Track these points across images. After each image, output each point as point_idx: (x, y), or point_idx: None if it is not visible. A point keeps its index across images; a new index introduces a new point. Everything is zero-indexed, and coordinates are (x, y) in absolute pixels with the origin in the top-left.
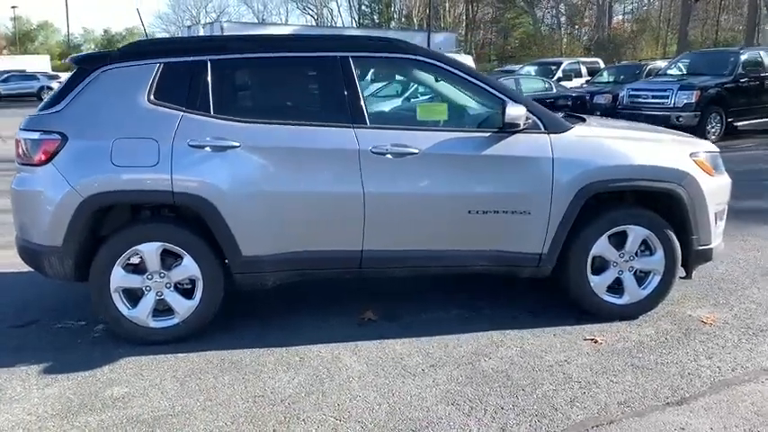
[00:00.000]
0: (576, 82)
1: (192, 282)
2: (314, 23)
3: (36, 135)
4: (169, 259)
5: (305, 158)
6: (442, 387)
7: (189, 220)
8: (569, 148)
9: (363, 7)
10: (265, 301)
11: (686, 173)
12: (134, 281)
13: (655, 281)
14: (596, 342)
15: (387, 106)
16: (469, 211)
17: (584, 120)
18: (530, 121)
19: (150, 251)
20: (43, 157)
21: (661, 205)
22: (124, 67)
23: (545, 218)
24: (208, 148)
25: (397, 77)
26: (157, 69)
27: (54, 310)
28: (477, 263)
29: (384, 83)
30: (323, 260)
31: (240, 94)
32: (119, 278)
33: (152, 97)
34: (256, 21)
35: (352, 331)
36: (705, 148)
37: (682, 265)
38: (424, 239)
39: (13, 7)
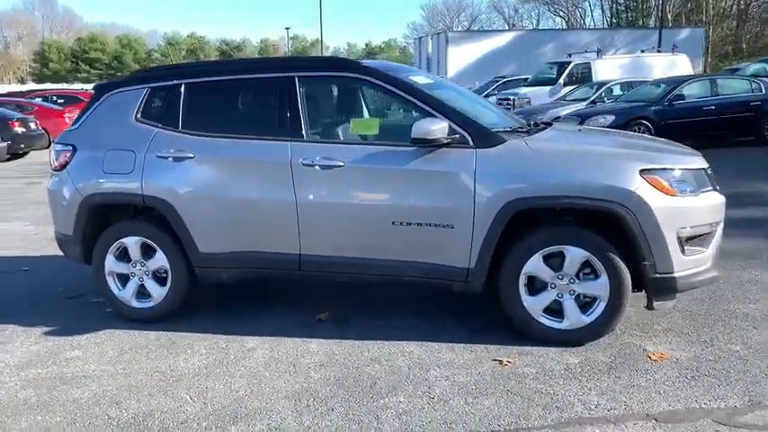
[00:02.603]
0: None
1: (167, 271)
2: (564, 26)
3: (59, 147)
4: (149, 251)
5: (247, 168)
6: (305, 384)
7: (159, 219)
8: (495, 163)
9: (617, 5)
10: (248, 294)
11: (630, 191)
12: (123, 267)
13: (600, 307)
14: (501, 364)
15: (334, 121)
16: (393, 222)
17: (541, 129)
18: (456, 135)
19: (131, 243)
20: (62, 165)
21: (609, 226)
22: (124, 92)
23: (468, 233)
24: (170, 159)
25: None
26: (146, 93)
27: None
28: (407, 273)
29: None
30: (267, 260)
31: (202, 112)
32: (111, 264)
33: (138, 116)
34: (479, 29)
35: (294, 329)
36: (674, 164)
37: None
38: (355, 247)
39: (287, 28)
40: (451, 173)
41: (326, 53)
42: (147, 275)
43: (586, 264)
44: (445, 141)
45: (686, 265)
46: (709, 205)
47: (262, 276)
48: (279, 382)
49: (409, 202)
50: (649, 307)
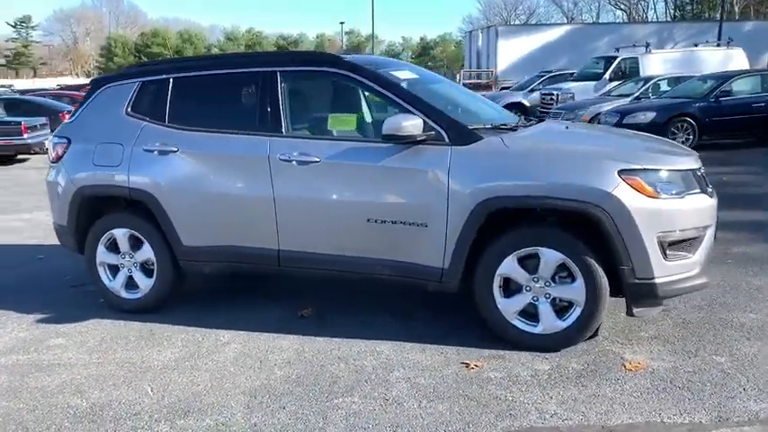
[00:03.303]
0: None
1: (153, 263)
2: (625, 19)
3: (56, 140)
4: (137, 243)
5: (227, 163)
6: (265, 381)
7: (146, 212)
8: (469, 162)
9: None
10: (237, 287)
11: (607, 192)
12: (113, 258)
13: (576, 313)
14: (468, 367)
15: (313, 117)
16: (368, 220)
17: (529, 126)
18: (432, 132)
19: (120, 235)
20: (57, 157)
21: (586, 228)
22: (116, 86)
23: (442, 232)
24: (156, 152)
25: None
26: (137, 87)
27: None
28: (382, 271)
29: None
30: (247, 255)
31: (188, 106)
32: (101, 254)
33: (129, 110)
34: (537, 23)
35: (272, 325)
36: (656, 164)
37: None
38: (332, 244)
39: (341, 23)
40: (426, 170)
41: (381, 47)
42: (136, 267)
43: (563, 267)
44: (420, 138)
45: (669, 270)
46: (695, 209)
47: (243, 271)
48: (241, 377)
49: (384, 200)
50: (629, 313)
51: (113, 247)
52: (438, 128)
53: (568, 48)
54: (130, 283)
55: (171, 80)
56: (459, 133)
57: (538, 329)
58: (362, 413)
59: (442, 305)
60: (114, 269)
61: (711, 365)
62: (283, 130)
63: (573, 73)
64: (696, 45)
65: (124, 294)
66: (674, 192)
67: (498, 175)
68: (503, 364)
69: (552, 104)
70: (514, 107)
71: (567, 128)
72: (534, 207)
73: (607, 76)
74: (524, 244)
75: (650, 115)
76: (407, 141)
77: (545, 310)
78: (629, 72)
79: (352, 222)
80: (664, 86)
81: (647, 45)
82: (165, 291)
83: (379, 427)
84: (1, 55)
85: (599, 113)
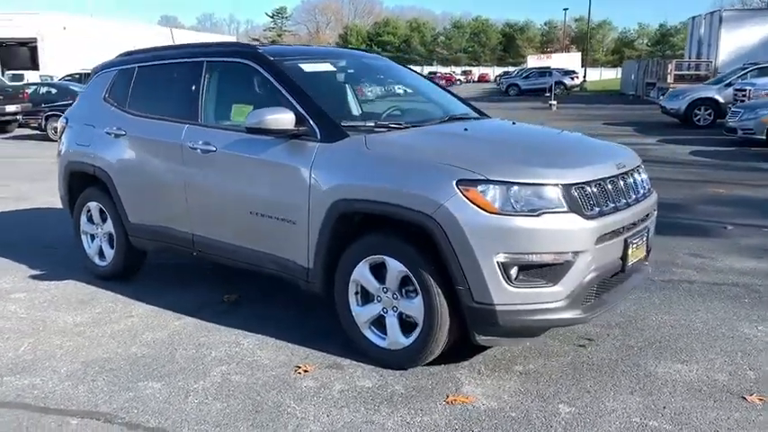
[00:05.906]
0: None
1: (114, 236)
2: None
3: (62, 120)
4: (105, 216)
5: (156, 147)
6: (113, 355)
7: (107, 188)
8: (329, 161)
9: None
10: (208, 267)
11: (438, 203)
12: (92, 228)
13: (417, 331)
14: (297, 371)
15: (224, 107)
16: (251, 212)
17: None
18: (304, 127)
19: (93, 208)
20: (60, 134)
21: (429, 242)
22: (103, 74)
23: (305, 231)
24: (113, 135)
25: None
26: (114, 75)
27: None
28: (267, 265)
29: None
30: (173, 237)
31: (141, 93)
32: (83, 224)
33: (106, 95)
34: None
35: (190, 305)
36: (505, 176)
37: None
38: (227, 233)
39: (564, 9)
40: (293, 166)
41: (612, 35)
42: (105, 238)
43: (409, 280)
44: (292, 132)
45: (515, 298)
46: (556, 230)
47: (175, 251)
48: (101, 348)
49: (261, 193)
50: (473, 340)
51: (91, 218)
52: (312, 123)
53: None
54: (101, 252)
55: (136, 69)
56: (328, 130)
57: (385, 343)
58: (146, 398)
59: None
60: (93, 238)
61: (545, 414)
62: (199, 118)
63: None
64: None
65: (97, 261)
66: (525, 208)
67: (349, 177)
68: (333, 374)
69: (742, 101)
70: (706, 102)
71: (467, 129)
72: (376, 212)
73: None
74: (373, 251)
75: None
76: (277, 135)
77: (391, 323)
78: None
79: (239, 213)
80: None
81: None
82: (121, 262)
83: (143, 413)
84: (259, 43)
85: None
